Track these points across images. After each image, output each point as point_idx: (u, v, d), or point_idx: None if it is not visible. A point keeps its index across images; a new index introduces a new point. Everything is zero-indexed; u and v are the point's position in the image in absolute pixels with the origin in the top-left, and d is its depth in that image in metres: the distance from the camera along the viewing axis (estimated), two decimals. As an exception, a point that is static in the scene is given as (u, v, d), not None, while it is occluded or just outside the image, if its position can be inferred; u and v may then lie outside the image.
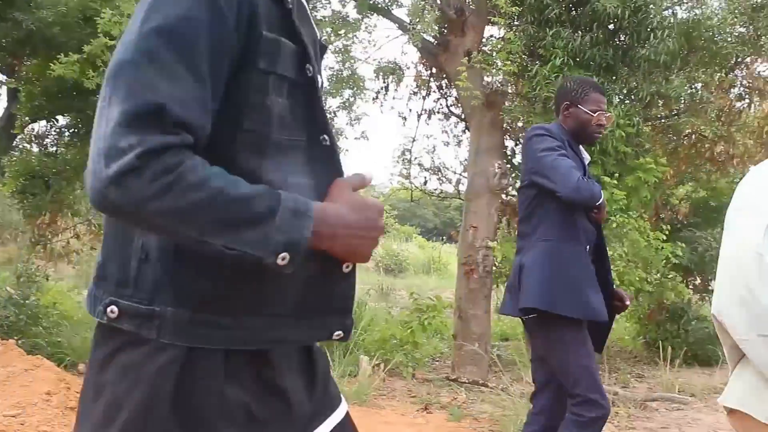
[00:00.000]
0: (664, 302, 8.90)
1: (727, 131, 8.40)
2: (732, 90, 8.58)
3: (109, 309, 1.12)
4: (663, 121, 8.57)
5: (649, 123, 8.32)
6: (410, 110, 10.53)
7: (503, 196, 8.29)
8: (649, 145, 7.81)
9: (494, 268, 7.86)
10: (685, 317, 8.94)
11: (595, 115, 3.25)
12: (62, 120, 8.86)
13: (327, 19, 8.90)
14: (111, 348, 1.13)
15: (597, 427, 3.08)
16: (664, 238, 7.43)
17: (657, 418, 6.13)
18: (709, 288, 9.79)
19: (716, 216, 9.62)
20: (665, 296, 8.10)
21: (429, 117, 10.48)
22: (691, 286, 9.65)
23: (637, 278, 7.27)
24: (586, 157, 3.38)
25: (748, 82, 8.78)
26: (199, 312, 1.11)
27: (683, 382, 7.39)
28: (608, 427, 5.71)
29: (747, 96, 8.97)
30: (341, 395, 1.38)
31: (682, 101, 7.92)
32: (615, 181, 7.00)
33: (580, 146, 3.36)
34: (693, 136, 8.81)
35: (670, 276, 8.22)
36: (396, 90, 10.30)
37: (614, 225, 6.98)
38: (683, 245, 8.12)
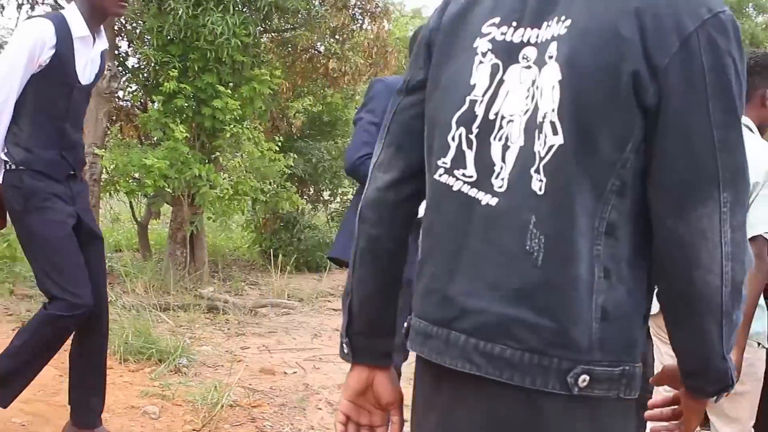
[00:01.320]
0: (279, 212, 9.19)
1: (341, 49, 8.75)
2: (347, 10, 8.90)
3: (581, 378, 1.02)
4: (281, 33, 8.63)
5: (267, 35, 8.33)
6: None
7: (115, 100, 7.74)
8: (266, 56, 7.82)
9: (105, 176, 7.36)
10: (298, 226, 9.34)
11: None
12: None
13: None
14: (583, 416, 1.05)
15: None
16: (277, 149, 7.57)
17: (265, 323, 6.31)
18: (322, 198, 10.35)
19: (329, 130, 10.10)
20: (280, 206, 8.33)
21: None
22: (305, 197, 10.08)
23: (252, 188, 7.34)
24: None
25: (362, 4, 9.19)
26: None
27: (293, 288, 7.73)
28: (218, 335, 5.75)
29: (361, 17, 9.40)
30: None
31: (300, 15, 8.03)
32: (230, 91, 6.90)
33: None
34: (310, 51, 9.03)
35: (285, 186, 8.45)
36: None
37: (228, 135, 6.92)
38: (296, 156, 8.38)
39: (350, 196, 10.58)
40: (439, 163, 1.16)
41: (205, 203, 7.00)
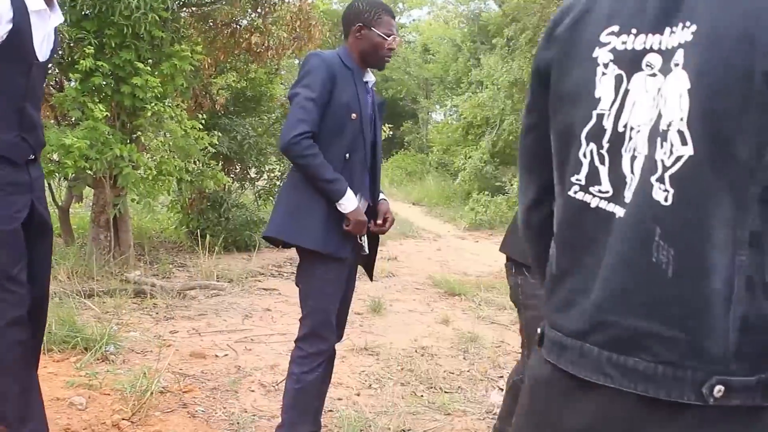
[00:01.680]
0: (205, 191, 9.02)
1: (263, 23, 8.58)
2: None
3: (716, 389, 1.02)
4: (201, 8, 8.41)
5: (187, 9, 8.10)
6: None
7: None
8: (186, 31, 7.61)
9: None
10: (225, 205, 9.18)
11: (388, 39, 3.14)
12: None
13: None
14: (722, 426, 1.05)
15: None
16: (201, 127, 7.40)
17: (195, 306, 6.21)
18: (248, 175, 10.19)
19: (254, 106, 9.93)
20: (205, 185, 8.17)
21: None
22: (231, 175, 9.92)
23: (176, 168, 7.17)
24: (371, 80, 3.26)
25: (283, -24, 9.01)
26: None
27: (222, 269, 7.61)
28: (146, 320, 5.62)
29: (282, -10, 9.22)
30: None
31: (219, -12, 7.83)
32: (149, 68, 6.69)
33: (368, 69, 3.24)
34: (232, 26, 8.82)
35: (209, 165, 8.28)
36: None
37: (150, 113, 6.72)
38: (220, 134, 8.21)
39: (278, 173, 10.46)
40: (573, 179, 1.19)
41: (128, 184, 6.80)
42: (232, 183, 9.96)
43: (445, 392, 4.46)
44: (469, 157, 21.03)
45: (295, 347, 3.15)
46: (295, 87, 3.06)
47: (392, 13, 3.20)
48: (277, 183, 10.51)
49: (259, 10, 8.70)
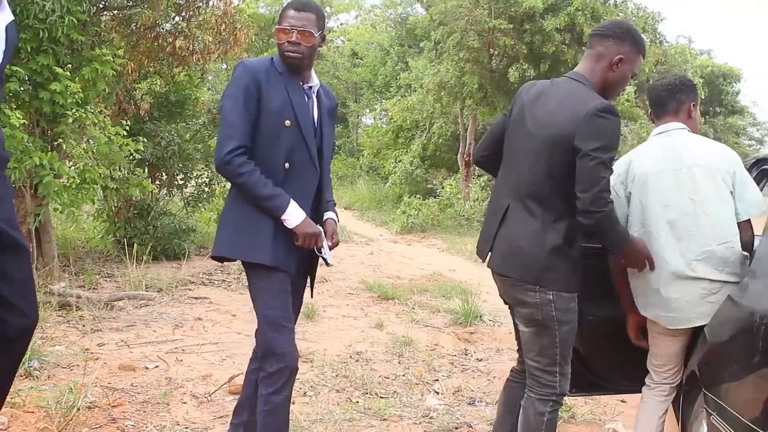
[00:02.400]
0: (132, 199, 8.80)
1: (188, 26, 8.43)
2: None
3: None
4: (122, 11, 8.19)
5: (108, 12, 7.89)
6: None
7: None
8: (107, 35, 7.40)
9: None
10: (153, 213, 8.98)
11: (284, 33, 2.96)
12: None
13: None
14: None
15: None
16: (125, 133, 7.21)
17: (123, 317, 6.03)
18: (175, 182, 9.98)
19: (179, 111, 9.74)
20: (131, 192, 7.96)
21: None
22: (158, 182, 9.71)
23: (101, 175, 6.97)
24: (315, 83, 3.08)
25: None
26: None
27: (151, 278, 7.43)
28: (72, 333, 5.43)
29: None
30: None
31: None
32: (69, 73, 6.48)
33: (312, 73, 3.09)
34: (155, 29, 8.63)
35: (134, 172, 8.08)
36: None
37: (71, 120, 6.51)
38: (145, 140, 8.01)
39: (206, 179, 10.28)
40: None
41: (49, 194, 6.57)
42: (159, 190, 9.75)
43: (381, 397, 4.43)
44: (400, 161, 21.12)
45: (260, 367, 3.00)
46: (222, 99, 2.97)
47: (297, 5, 2.98)
48: (206, 189, 10.34)
49: (183, 13, 8.54)
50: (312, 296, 3.34)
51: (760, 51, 70.32)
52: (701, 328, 2.92)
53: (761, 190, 3.46)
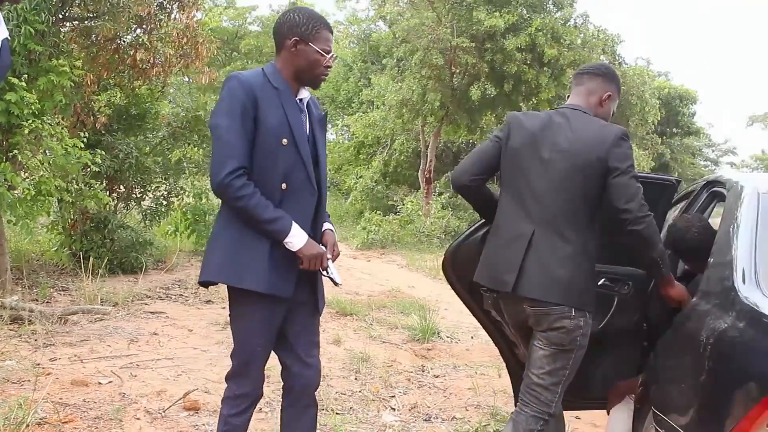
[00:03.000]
0: (89, 212, 8.69)
1: (149, 39, 8.39)
2: (153, -2, 8.54)
3: None
4: (82, 22, 8.13)
5: (68, 23, 7.82)
6: None
7: None
8: (66, 46, 7.34)
9: None
10: (110, 226, 8.87)
11: (326, 56, 2.84)
12: None
13: None
14: None
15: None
16: (83, 145, 7.13)
17: (77, 331, 5.94)
18: (133, 195, 9.89)
19: (139, 124, 9.66)
20: (86, 204, 7.86)
21: None
22: (115, 194, 9.60)
23: (56, 187, 6.88)
24: (306, 96, 2.95)
25: (168, -8, 8.85)
26: None
27: (107, 292, 7.33)
28: (24, 347, 5.34)
29: (169, 6, 9.04)
30: None
31: (102, 3, 7.59)
32: (25, 84, 6.40)
33: (304, 88, 2.94)
34: (116, 42, 8.57)
35: (90, 184, 7.98)
36: None
37: (27, 131, 6.43)
38: (103, 152, 7.93)
39: (164, 192, 10.20)
40: None
41: (2, 205, 6.46)
42: (117, 203, 9.64)
43: (337, 413, 4.43)
44: (361, 177, 21.17)
45: (226, 386, 2.91)
46: (214, 116, 2.76)
47: (330, 28, 2.91)
48: (164, 202, 10.25)
49: (144, 26, 8.51)
50: (321, 311, 3.17)
51: (716, 74, 72.05)
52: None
53: (711, 211, 3.55)
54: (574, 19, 18.25)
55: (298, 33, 2.82)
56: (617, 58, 20.44)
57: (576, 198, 2.88)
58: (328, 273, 2.87)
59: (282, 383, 3.03)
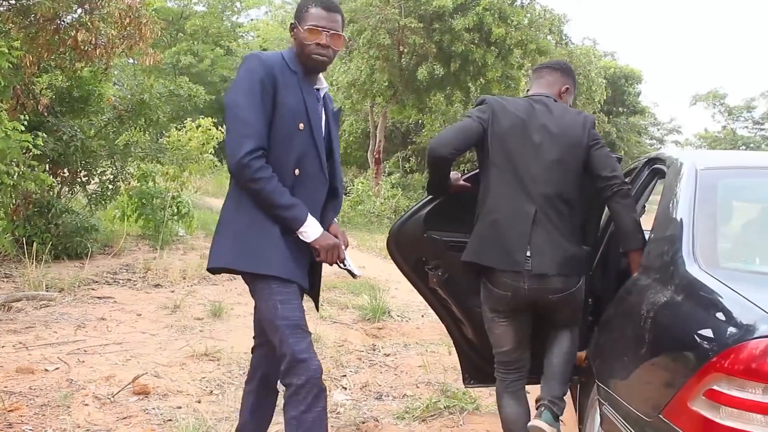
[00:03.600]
0: (32, 196, 8.50)
1: (90, 19, 8.20)
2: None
3: None
4: (19, 1, 7.91)
5: (4, 2, 7.61)
6: None
7: None
8: (3, 26, 7.14)
9: None
10: (54, 211, 8.69)
11: (316, 35, 2.73)
12: None
13: None
14: None
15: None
16: (23, 128, 6.95)
17: (21, 318, 5.84)
18: (78, 179, 9.69)
19: (82, 106, 9.45)
20: (26, 186, 7.68)
21: None
22: (60, 178, 9.40)
23: (-3, 172, 6.71)
24: (323, 86, 2.87)
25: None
26: None
27: (52, 278, 7.21)
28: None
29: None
30: None
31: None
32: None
33: (320, 75, 2.87)
34: (56, 22, 8.35)
35: (32, 166, 7.80)
36: None
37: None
38: (45, 135, 7.75)
39: (110, 176, 10.01)
40: None
41: (-60, 191, 6.30)
42: (61, 187, 9.45)
43: (288, 393, 4.45)
44: (311, 158, 21.05)
45: (284, 388, 2.66)
46: (231, 93, 2.67)
47: (327, 4, 2.77)
48: (110, 186, 10.08)
49: (85, 5, 8.31)
50: (318, 309, 3.23)
51: (660, 54, 73.34)
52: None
53: (652, 188, 3.64)
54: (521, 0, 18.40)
55: (295, 17, 2.82)
56: (564, 37, 20.70)
57: (569, 177, 3.06)
58: (345, 265, 2.79)
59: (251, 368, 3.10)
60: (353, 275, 2.83)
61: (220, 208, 2.84)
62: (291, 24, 2.82)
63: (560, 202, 3.02)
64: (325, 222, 2.82)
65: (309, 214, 2.66)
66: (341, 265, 2.79)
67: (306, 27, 2.73)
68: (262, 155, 2.60)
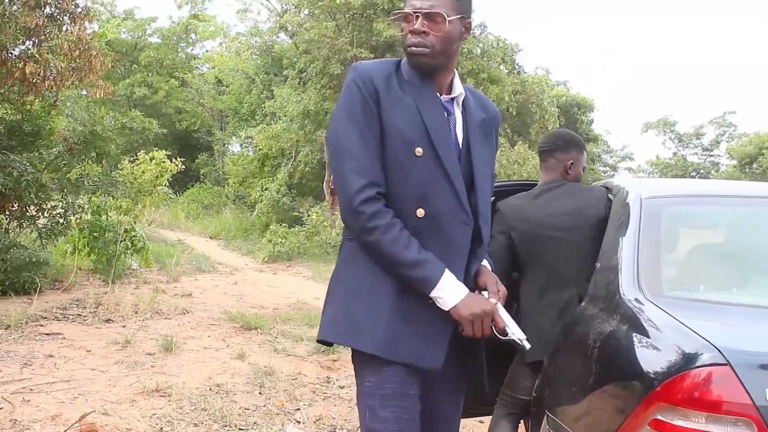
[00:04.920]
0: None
1: (39, 52, 8.11)
2: (42, 9, 8.26)
3: None
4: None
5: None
6: None
7: None
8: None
9: None
10: (1, 245, 8.50)
11: (402, 23, 2.17)
12: None
13: None
14: None
15: None
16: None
17: (-35, 358, 5.67)
18: (27, 213, 9.50)
19: (32, 140, 9.31)
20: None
21: None
22: (8, 213, 9.20)
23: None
24: (459, 92, 2.24)
25: (59, 3, 8.57)
26: None
27: (-2, 314, 7.03)
28: None
29: (59, 17, 8.76)
30: None
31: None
32: None
33: (454, 78, 2.24)
34: (3, 54, 8.24)
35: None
36: None
37: None
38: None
39: (60, 211, 9.81)
40: None
41: None
42: (9, 221, 9.25)
43: (240, 429, 4.39)
44: (266, 189, 21.01)
45: None
46: (333, 120, 2.17)
47: None
48: (61, 221, 9.90)
49: (33, 38, 8.22)
50: (487, 388, 2.34)
51: (612, 82, 75.03)
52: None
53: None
54: (473, 29, 18.69)
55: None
56: (516, 67, 21.01)
57: (588, 259, 3.02)
58: (507, 336, 2.14)
59: None
60: (520, 345, 2.15)
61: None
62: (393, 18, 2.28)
63: (584, 284, 3.02)
64: (468, 277, 2.18)
65: (446, 272, 2.06)
66: (501, 336, 2.14)
67: (395, 14, 2.20)
68: (378, 195, 2.05)
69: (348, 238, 2.17)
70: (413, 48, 2.12)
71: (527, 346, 2.16)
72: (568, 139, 3.44)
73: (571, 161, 3.35)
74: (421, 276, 2.03)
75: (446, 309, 2.06)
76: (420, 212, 2.08)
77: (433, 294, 2.05)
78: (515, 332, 2.13)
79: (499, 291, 2.18)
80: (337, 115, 2.13)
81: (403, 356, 2.06)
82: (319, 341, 2.27)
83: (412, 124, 2.09)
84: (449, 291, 2.05)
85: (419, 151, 2.08)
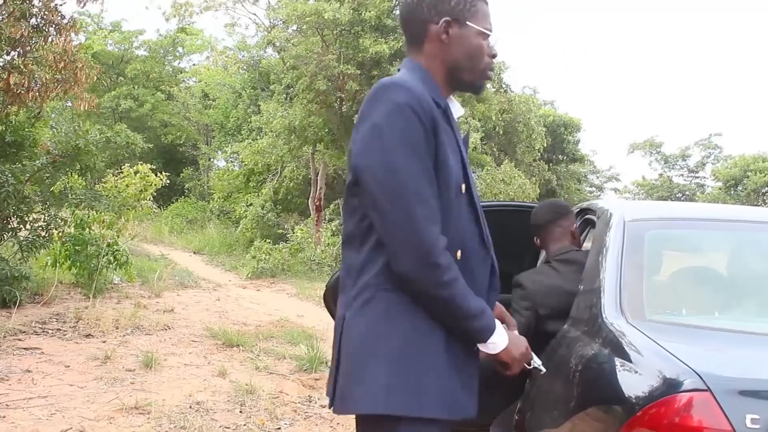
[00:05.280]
0: (-42, 244, 8.22)
1: (23, 62, 8.06)
2: (27, 20, 8.22)
3: None
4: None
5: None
6: None
7: None
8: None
9: None
10: (-20, 258, 8.41)
11: (481, 40, 1.95)
12: None
13: None
14: None
15: None
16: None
17: (-59, 372, 5.59)
18: (8, 226, 9.41)
19: (15, 151, 9.23)
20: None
21: None
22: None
23: None
24: (460, 113, 2.02)
25: (45, 15, 8.54)
26: None
27: (-24, 328, 6.94)
28: None
29: (45, 28, 8.72)
30: None
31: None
32: None
33: (452, 97, 2.03)
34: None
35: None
36: None
37: None
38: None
39: (43, 224, 9.72)
40: None
41: None
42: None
43: (220, 448, 4.34)
44: (251, 205, 20.96)
45: None
46: (385, 153, 1.78)
47: None
48: (43, 234, 9.80)
49: (18, 49, 8.17)
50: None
51: (598, 103, 75.69)
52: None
53: (584, 238, 3.70)
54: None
55: (447, 10, 1.92)
56: (503, 85, 21.15)
57: None
58: (531, 365, 2.17)
59: None
60: (541, 371, 2.24)
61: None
62: (446, 21, 1.92)
63: None
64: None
65: (497, 321, 1.95)
66: (528, 366, 2.14)
67: (480, 28, 1.93)
68: (447, 246, 1.82)
69: (385, 288, 1.84)
70: (491, 72, 2.02)
71: (543, 369, 2.19)
72: (564, 206, 3.44)
73: (575, 225, 3.33)
74: (485, 325, 1.89)
75: (495, 353, 1.95)
76: (458, 254, 1.88)
77: (489, 341, 1.92)
78: (535, 360, 2.17)
79: (509, 323, 2.13)
80: (390, 146, 1.77)
81: (460, 413, 1.90)
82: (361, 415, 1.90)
83: (455, 159, 1.88)
84: (499, 335, 1.94)
85: (463, 187, 1.90)
